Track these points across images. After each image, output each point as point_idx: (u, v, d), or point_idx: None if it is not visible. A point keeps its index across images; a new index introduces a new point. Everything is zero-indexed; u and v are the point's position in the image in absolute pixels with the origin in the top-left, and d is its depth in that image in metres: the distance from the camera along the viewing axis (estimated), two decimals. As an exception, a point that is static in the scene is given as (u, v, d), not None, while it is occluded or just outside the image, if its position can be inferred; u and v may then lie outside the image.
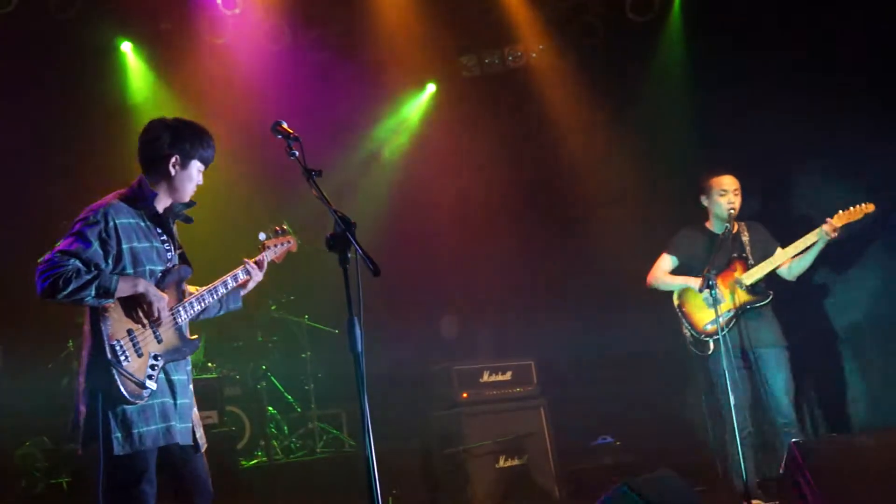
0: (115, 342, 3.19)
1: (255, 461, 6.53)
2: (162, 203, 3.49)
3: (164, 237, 3.49)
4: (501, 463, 6.33)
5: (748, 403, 5.40)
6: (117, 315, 3.24)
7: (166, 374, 3.37)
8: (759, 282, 5.48)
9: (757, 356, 5.45)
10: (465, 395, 6.46)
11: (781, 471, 4.31)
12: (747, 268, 5.50)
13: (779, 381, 5.40)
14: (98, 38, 7.13)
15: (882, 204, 5.42)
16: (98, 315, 3.21)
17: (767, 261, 5.46)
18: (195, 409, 3.52)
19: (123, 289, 3.23)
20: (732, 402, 4.98)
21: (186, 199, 3.54)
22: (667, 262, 5.75)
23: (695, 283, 5.47)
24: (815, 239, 5.32)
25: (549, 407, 6.61)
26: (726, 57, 7.01)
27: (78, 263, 3.18)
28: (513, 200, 8.01)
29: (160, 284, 3.39)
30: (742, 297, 5.44)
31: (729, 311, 5.42)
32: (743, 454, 4.91)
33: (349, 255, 2.94)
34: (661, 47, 7.66)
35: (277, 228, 3.90)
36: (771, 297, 5.46)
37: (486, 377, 6.59)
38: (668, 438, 6.88)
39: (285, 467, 6.33)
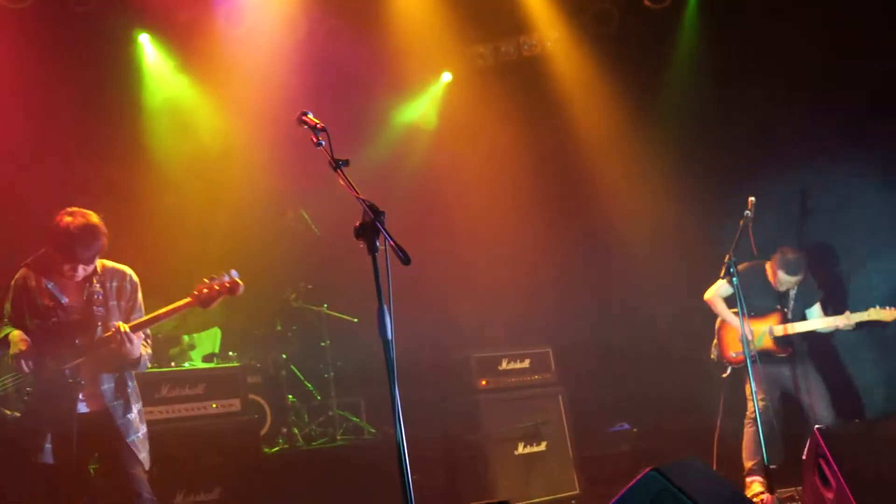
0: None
1: (277, 448, 6.59)
2: None
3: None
4: (520, 450, 6.37)
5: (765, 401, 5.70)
6: None
7: None
8: (787, 336, 5.84)
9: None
10: (484, 382, 6.50)
11: (804, 456, 4.34)
12: (783, 320, 5.87)
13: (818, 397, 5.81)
14: (116, 30, 7.16)
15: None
16: None
17: (799, 323, 5.91)
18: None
19: None
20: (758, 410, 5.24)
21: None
22: (724, 288, 5.98)
23: (731, 316, 5.86)
24: (826, 327, 5.79)
25: (567, 394, 6.65)
26: (744, 43, 6.98)
27: None
28: (530, 188, 8.00)
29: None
30: (766, 343, 5.84)
31: (752, 351, 5.61)
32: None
33: (377, 244, 2.96)
34: (677, 35, 7.64)
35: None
36: (790, 352, 5.83)
37: (504, 364, 6.63)
38: (684, 426, 6.90)
39: (307, 454, 6.39)
